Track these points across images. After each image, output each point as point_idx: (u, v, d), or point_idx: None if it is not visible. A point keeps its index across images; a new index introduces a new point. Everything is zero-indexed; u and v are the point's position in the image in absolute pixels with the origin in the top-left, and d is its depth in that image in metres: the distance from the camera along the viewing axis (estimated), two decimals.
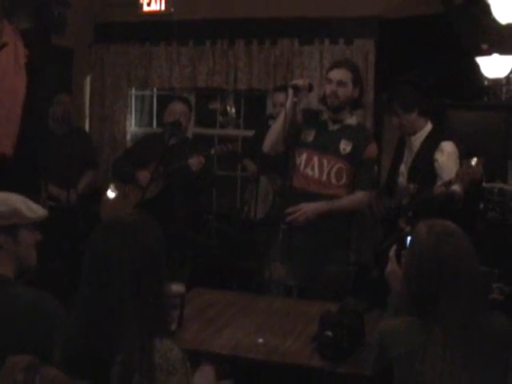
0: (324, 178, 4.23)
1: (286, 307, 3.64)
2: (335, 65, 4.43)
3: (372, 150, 4.33)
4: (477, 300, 2.22)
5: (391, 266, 2.69)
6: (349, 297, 3.14)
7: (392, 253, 2.70)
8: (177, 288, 3.14)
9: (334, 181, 4.23)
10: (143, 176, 5.15)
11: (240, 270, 5.48)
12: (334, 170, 4.23)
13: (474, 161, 3.91)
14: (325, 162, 4.24)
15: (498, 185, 4.83)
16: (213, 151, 5.11)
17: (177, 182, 5.11)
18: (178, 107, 5.38)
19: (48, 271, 4.79)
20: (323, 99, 4.31)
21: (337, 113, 4.31)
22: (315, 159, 4.25)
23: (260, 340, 3.01)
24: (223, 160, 5.47)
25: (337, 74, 4.26)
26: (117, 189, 5.38)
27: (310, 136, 4.29)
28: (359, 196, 4.29)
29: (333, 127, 4.34)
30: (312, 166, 4.24)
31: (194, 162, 5.00)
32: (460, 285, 2.18)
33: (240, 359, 2.89)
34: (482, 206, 5.10)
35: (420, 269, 2.25)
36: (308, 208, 4.14)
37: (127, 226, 2.08)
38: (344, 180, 4.24)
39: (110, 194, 5.35)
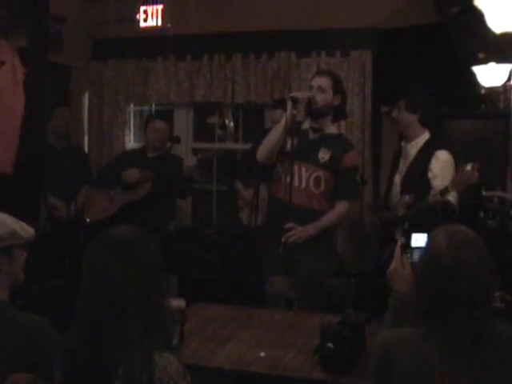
0: (303, 185, 4.28)
1: (286, 320, 3.64)
2: (317, 73, 4.60)
3: (351, 158, 4.37)
4: (488, 310, 2.14)
5: (395, 265, 2.63)
6: (349, 308, 3.13)
7: (397, 251, 2.64)
8: (177, 303, 3.13)
9: (312, 188, 4.29)
10: (131, 173, 5.36)
11: (241, 284, 5.47)
12: (312, 178, 4.28)
13: (468, 165, 3.94)
14: (303, 169, 4.28)
15: (497, 193, 4.83)
16: (200, 156, 5.31)
17: (163, 186, 5.31)
18: (160, 125, 5.64)
19: (49, 288, 4.79)
20: (305, 108, 4.34)
21: (317, 120, 4.34)
22: (295, 168, 4.27)
23: (261, 353, 3.00)
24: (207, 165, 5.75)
25: (317, 81, 4.35)
26: (101, 194, 5.55)
27: (290, 146, 4.29)
28: (341, 207, 4.35)
29: (313, 136, 4.37)
30: (292, 174, 4.25)
31: (189, 160, 5.30)
32: (475, 294, 2.09)
33: (242, 373, 2.88)
34: (481, 214, 5.09)
35: (435, 276, 2.12)
36: (303, 231, 4.21)
37: (123, 240, 2.08)
38: (322, 188, 4.28)
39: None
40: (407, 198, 4.46)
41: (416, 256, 2.60)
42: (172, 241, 5.41)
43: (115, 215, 5.28)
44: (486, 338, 2.11)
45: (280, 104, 5.61)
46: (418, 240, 2.64)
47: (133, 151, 6.20)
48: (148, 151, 5.63)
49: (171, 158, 5.61)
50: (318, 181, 4.28)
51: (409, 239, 2.59)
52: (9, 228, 2.48)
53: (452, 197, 4.24)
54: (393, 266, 2.63)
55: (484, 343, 2.10)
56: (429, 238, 2.28)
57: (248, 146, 6.47)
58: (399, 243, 2.65)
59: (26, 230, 2.56)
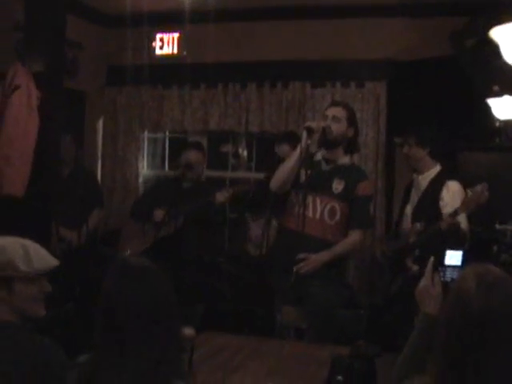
0: (317, 216, 4.27)
1: (297, 351, 3.60)
2: (332, 103, 4.62)
3: (365, 187, 4.36)
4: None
5: (425, 282, 2.41)
6: (360, 340, 3.09)
7: (429, 267, 2.43)
8: (187, 331, 3.10)
9: (327, 219, 4.27)
10: (158, 213, 5.31)
11: (251, 313, 5.43)
12: (327, 208, 4.28)
13: (478, 186, 3.92)
14: (318, 201, 4.28)
15: (510, 227, 4.81)
16: (232, 190, 5.25)
17: (194, 220, 5.27)
18: (193, 155, 5.54)
19: (59, 316, 4.76)
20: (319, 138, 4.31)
21: (330, 150, 4.33)
22: (309, 199, 4.25)
23: None
24: (241, 200, 5.63)
25: (332, 111, 4.36)
26: (136, 228, 5.55)
27: (304, 176, 4.28)
28: (355, 236, 4.34)
29: (326, 167, 4.36)
30: (307, 206, 4.23)
31: (221, 195, 5.15)
32: (505, 339, 1.85)
33: None
34: (495, 248, 5.06)
35: (464, 320, 1.89)
36: (317, 258, 4.19)
37: (139, 270, 2.06)
38: (337, 218, 4.28)
39: None
40: (418, 225, 4.45)
41: (449, 275, 2.47)
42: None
43: (148, 250, 5.26)
44: None
45: (287, 138, 5.61)
46: (453, 258, 2.50)
47: (168, 181, 6.00)
48: (183, 181, 5.57)
49: (204, 188, 5.56)
50: (333, 211, 4.27)
51: (442, 256, 2.47)
52: (5, 257, 2.38)
53: (463, 223, 4.22)
54: (422, 283, 2.42)
55: None
56: (458, 275, 2.11)
57: (260, 175, 6.46)
58: (432, 259, 2.45)
59: (30, 264, 2.42)
